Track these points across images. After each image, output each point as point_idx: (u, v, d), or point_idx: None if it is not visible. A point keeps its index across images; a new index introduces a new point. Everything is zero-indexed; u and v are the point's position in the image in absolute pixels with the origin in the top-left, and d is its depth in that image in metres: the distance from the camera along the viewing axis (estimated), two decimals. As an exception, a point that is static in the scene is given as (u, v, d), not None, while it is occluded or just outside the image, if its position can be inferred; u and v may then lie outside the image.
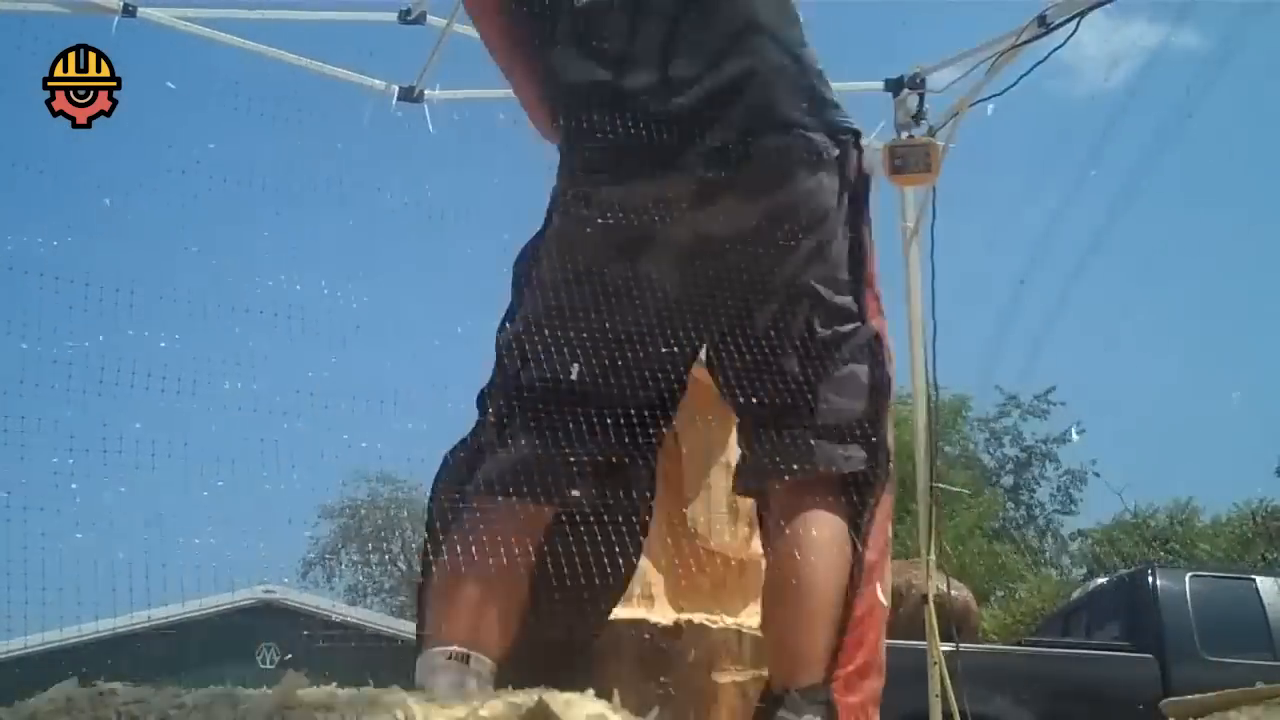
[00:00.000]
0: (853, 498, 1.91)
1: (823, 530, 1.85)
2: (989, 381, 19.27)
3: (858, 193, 2.07)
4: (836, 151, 2.01)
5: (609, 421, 1.88)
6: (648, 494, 1.99)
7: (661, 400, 1.95)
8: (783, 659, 1.79)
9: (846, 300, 1.99)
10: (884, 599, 2.09)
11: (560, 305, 1.94)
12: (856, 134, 2.09)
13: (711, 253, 1.93)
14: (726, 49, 2.00)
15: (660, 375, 1.94)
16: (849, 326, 1.97)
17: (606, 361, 1.89)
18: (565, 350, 1.90)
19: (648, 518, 2.00)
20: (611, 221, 1.94)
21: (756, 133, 1.96)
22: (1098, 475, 19.58)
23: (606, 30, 2.03)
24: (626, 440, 1.88)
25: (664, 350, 1.93)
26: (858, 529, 1.89)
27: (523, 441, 1.89)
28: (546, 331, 1.92)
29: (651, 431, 1.91)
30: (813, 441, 1.88)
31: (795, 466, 1.88)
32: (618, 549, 1.86)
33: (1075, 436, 19.06)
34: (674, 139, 1.93)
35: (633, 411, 1.89)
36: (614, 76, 2.00)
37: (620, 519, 1.89)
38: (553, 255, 2.01)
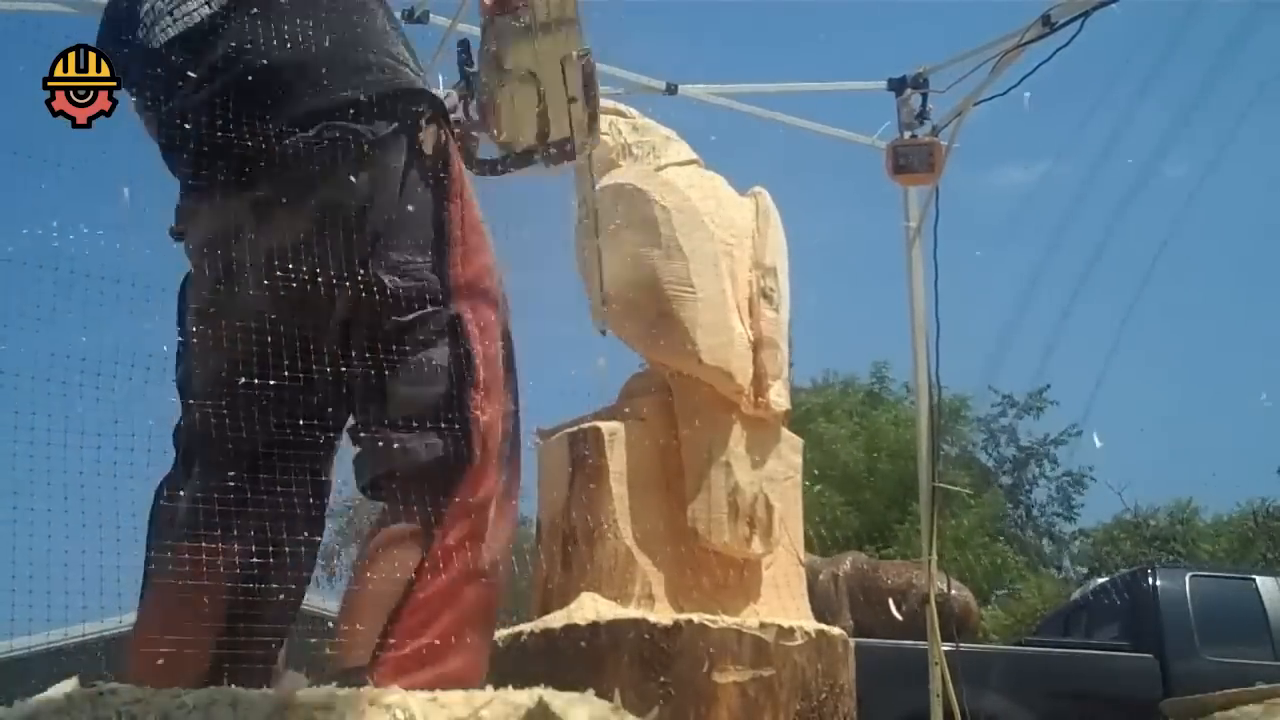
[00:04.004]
0: (437, 483, 1.87)
1: (384, 535, 1.88)
2: (989, 382, 19.27)
3: (436, 166, 1.98)
4: (390, 129, 1.93)
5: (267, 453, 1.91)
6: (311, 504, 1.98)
7: (314, 418, 1.95)
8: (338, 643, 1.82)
9: (417, 284, 1.93)
10: (485, 575, 2.08)
11: (198, 343, 1.99)
12: (428, 102, 2.00)
13: (284, 268, 1.90)
14: (236, 48, 1.93)
15: (301, 397, 1.92)
16: (420, 311, 1.92)
17: (246, 393, 1.91)
18: (212, 384, 1.95)
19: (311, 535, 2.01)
20: (203, 256, 1.99)
21: (279, 135, 1.89)
22: (1094, 480, 19.57)
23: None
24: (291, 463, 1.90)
25: (289, 374, 1.91)
26: (440, 516, 1.87)
27: (198, 483, 1.96)
28: (197, 369, 1.99)
29: (310, 452, 1.94)
30: (390, 436, 1.88)
31: (377, 468, 1.89)
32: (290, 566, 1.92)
33: (1097, 443, 19.00)
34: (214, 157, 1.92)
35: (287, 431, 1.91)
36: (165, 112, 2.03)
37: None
38: (186, 293, 2.05)
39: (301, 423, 1.90)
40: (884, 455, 16.05)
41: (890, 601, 7.53)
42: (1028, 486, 20.37)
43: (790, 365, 2.52)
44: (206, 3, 1.98)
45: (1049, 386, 19.13)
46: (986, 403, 19.38)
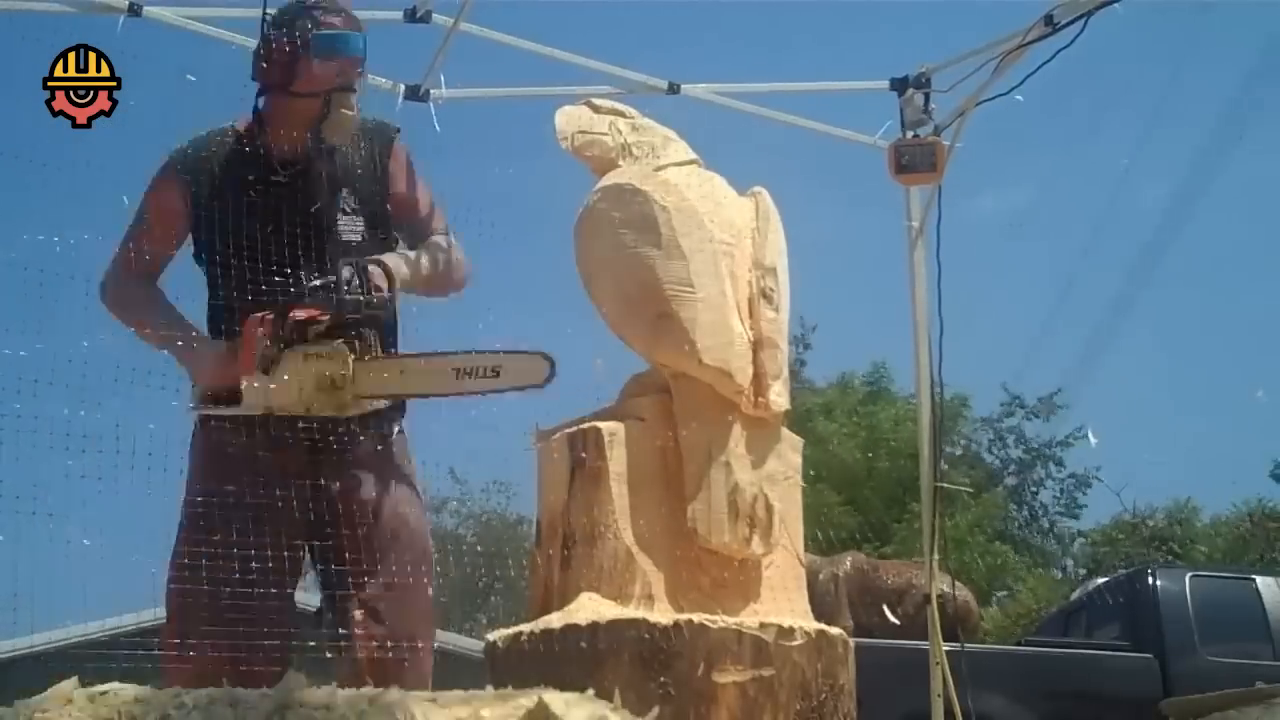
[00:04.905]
0: None
1: None
2: (993, 380, 19.23)
3: None
4: None
5: None
6: None
7: None
8: None
9: None
10: None
11: None
12: None
13: None
14: None
15: None
16: None
17: None
18: None
19: None
20: None
21: None
22: (1100, 480, 19.52)
23: None
24: None
25: None
26: None
27: None
28: None
29: None
30: None
31: None
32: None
33: (1092, 440, 18.88)
34: None
35: None
36: None
37: None
38: None
39: None
40: (883, 454, 16.02)
41: (885, 607, 7.52)
42: (1033, 488, 20.32)
43: (803, 364, 2.53)
44: None
45: (1060, 390, 19.10)
46: (993, 402, 19.33)
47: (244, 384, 2.48)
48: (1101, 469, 19.46)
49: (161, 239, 2.74)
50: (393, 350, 2.64)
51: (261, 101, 2.78)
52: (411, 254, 2.75)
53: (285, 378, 2.45)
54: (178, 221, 2.72)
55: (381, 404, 2.62)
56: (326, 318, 2.48)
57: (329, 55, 2.68)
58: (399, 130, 2.92)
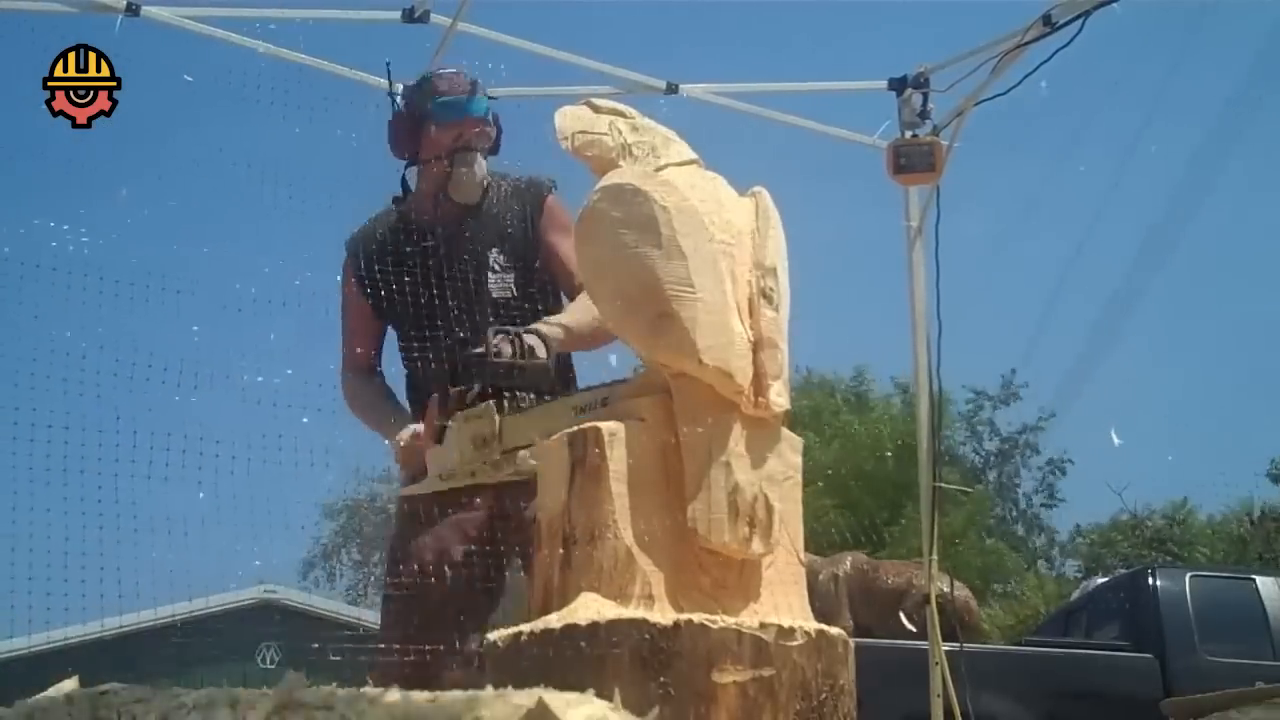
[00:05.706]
0: None
1: None
2: (956, 379, 19.25)
3: None
4: None
5: None
6: None
7: None
8: None
9: None
10: None
11: None
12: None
13: None
14: None
15: None
16: None
17: None
18: None
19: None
20: None
21: None
22: (1073, 462, 19.56)
23: None
24: None
25: None
26: None
27: None
28: None
29: None
30: None
31: None
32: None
33: (1115, 440, 18.90)
34: None
35: None
36: None
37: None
38: None
39: None
40: (869, 458, 16.00)
41: (902, 615, 7.51)
42: (1016, 480, 20.37)
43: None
44: None
45: (1014, 371, 19.15)
46: (958, 399, 19.41)
47: (427, 457, 2.69)
48: (1068, 451, 19.51)
49: (361, 328, 3.02)
50: None
51: (407, 174, 3.04)
52: (568, 318, 2.86)
53: (449, 441, 2.61)
54: (366, 306, 2.97)
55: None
56: (477, 386, 2.59)
57: (444, 120, 2.92)
58: (553, 185, 3.09)
